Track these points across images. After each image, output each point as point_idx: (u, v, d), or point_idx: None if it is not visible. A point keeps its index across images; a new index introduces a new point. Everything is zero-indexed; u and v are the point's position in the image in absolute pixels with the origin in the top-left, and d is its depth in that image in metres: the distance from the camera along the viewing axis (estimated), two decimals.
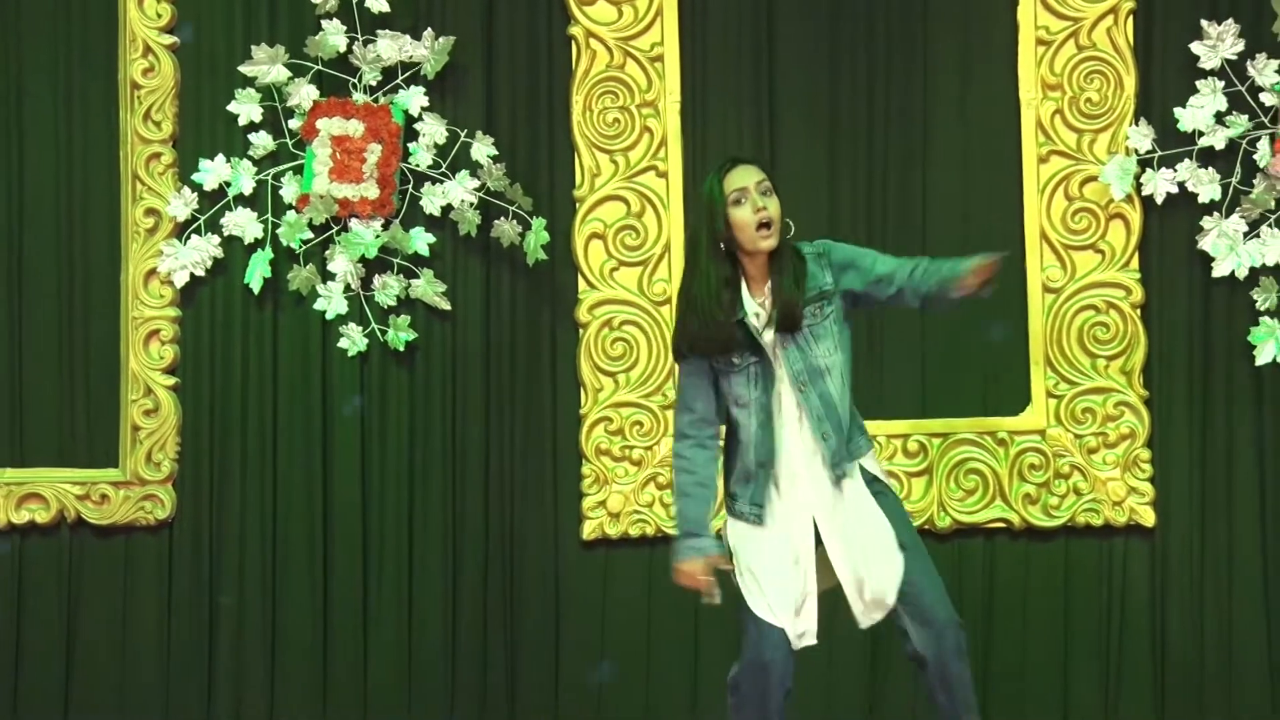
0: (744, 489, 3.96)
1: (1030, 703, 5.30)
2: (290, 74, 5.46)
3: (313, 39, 5.44)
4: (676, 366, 4.08)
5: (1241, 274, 5.22)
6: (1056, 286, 5.32)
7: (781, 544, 3.93)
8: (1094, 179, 5.29)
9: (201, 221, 5.51)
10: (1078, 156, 5.31)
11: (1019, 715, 5.30)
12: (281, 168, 5.50)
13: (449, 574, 5.48)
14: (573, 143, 5.47)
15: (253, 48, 5.46)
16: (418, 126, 5.45)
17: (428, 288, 5.46)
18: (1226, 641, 5.26)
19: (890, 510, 3.95)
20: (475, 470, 5.50)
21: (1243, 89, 5.20)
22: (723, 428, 4.00)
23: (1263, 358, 5.22)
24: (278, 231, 5.48)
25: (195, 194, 5.51)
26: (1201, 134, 5.21)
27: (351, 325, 5.47)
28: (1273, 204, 5.21)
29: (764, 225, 3.87)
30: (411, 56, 5.44)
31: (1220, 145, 5.21)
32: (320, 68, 5.47)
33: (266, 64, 5.45)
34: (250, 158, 5.49)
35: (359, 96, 5.46)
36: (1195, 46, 5.23)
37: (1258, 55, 5.19)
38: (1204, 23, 5.22)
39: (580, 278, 5.46)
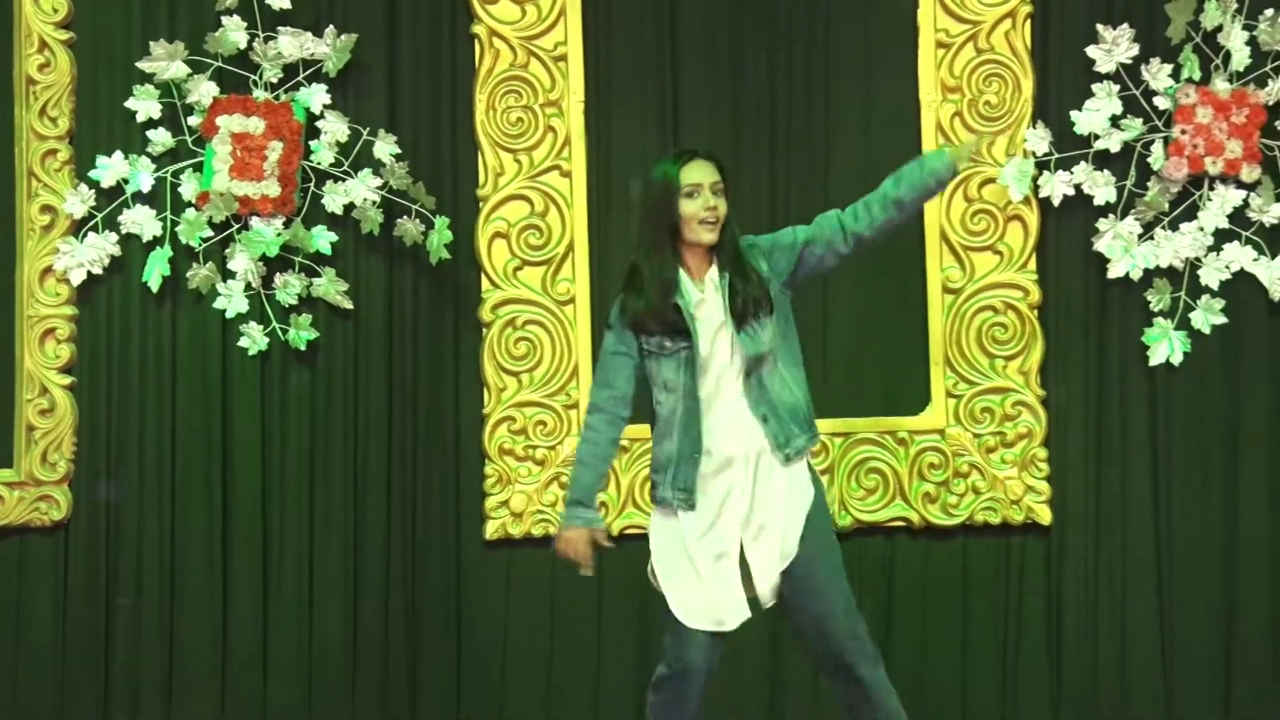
0: (667, 474, 4.01)
1: (928, 700, 5.35)
2: (190, 70, 5.41)
3: (213, 35, 5.40)
4: (605, 338, 4.09)
5: (1136, 275, 5.30)
6: (956, 287, 5.38)
7: (706, 537, 3.97)
8: (992, 181, 5.35)
9: (99, 219, 5.45)
10: (976, 158, 5.35)
11: (918, 713, 5.34)
12: (181, 165, 5.45)
13: (350, 574, 5.45)
14: (476, 142, 5.45)
15: (151, 44, 5.40)
16: (319, 124, 5.42)
17: (329, 286, 5.42)
18: (1120, 639, 5.34)
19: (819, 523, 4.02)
20: (377, 470, 5.47)
21: (1137, 93, 5.28)
22: (626, 415, 4.06)
23: (1156, 358, 5.30)
24: (177, 229, 5.42)
25: (92, 191, 5.44)
26: (1097, 137, 5.28)
27: (252, 324, 5.43)
28: (1166, 206, 5.29)
29: (708, 221, 3.96)
30: (313, 54, 5.41)
31: (1115, 148, 5.28)
32: (220, 64, 5.42)
33: (165, 60, 5.40)
34: (149, 155, 5.44)
35: (260, 94, 5.42)
36: (1091, 51, 5.30)
37: (1152, 60, 5.27)
38: (1099, 27, 5.29)
39: (483, 277, 5.45)
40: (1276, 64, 5.24)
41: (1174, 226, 5.29)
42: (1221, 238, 5.28)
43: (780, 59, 5.45)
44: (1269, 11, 5.23)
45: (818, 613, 3.98)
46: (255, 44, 5.41)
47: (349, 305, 5.45)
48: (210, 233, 5.42)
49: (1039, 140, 5.30)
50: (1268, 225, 5.26)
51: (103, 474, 5.47)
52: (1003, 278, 5.36)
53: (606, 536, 4.10)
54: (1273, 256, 5.26)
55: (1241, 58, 5.22)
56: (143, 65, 5.41)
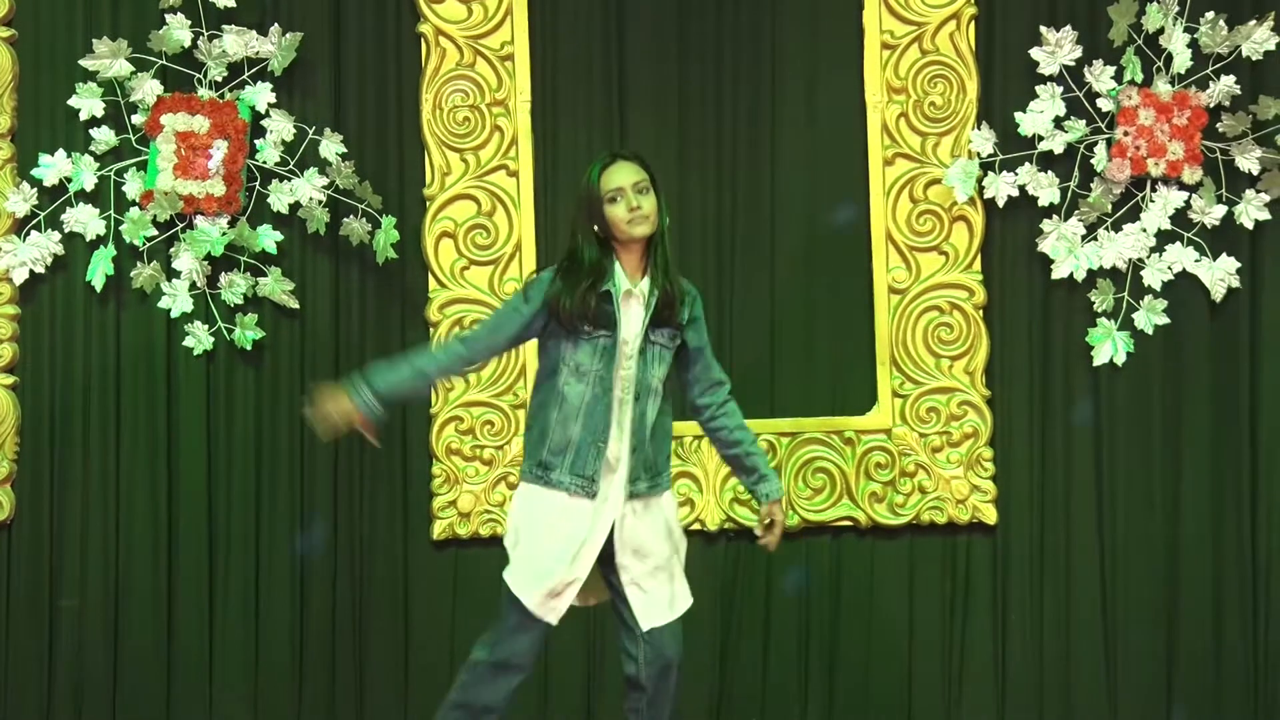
0: (563, 458, 4.02)
1: (875, 698, 5.38)
2: (133, 68, 5.37)
3: (156, 33, 5.36)
4: (514, 296, 4.15)
5: (1080, 276, 5.33)
6: (902, 287, 5.40)
7: (575, 526, 4.01)
8: (938, 181, 5.37)
9: (42, 218, 5.40)
10: (922, 159, 5.39)
11: (864, 712, 5.38)
12: (124, 163, 5.41)
13: (296, 575, 5.43)
14: (423, 141, 5.44)
15: (94, 41, 5.36)
16: (265, 123, 5.39)
17: (275, 286, 5.40)
18: (1064, 637, 5.37)
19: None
20: (323, 470, 5.45)
21: (1080, 94, 5.32)
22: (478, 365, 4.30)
23: (1100, 358, 5.34)
24: (121, 228, 5.38)
25: (35, 190, 5.39)
26: (1041, 138, 5.31)
27: (197, 323, 5.39)
28: (1109, 208, 5.32)
29: (636, 219, 4.00)
30: (258, 52, 5.38)
31: (1059, 149, 5.31)
32: (164, 62, 5.38)
33: (108, 58, 5.36)
34: (92, 153, 5.39)
35: (204, 92, 5.38)
36: (1035, 52, 5.33)
37: (1095, 62, 5.30)
38: (1043, 29, 5.32)
39: (430, 276, 5.44)
40: (1217, 66, 5.28)
41: (1117, 228, 5.33)
42: (1164, 239, 5.32)
43: (727, 59, 5.46)
44: (1210, 14, 5.27)
45: (665, 641, 4.08)
46: (200, 42, 5.37)
47: (295, 305, 5.42)
48: (154, 232, 5.39)
49: (983, 141, 5.33)
50: (1209, 227, 5.30)
51: (46, 474, 5.42)
52: (948, 278, 5.39)
53: (375, 433, 4.07)
54: (1214, 258, 5.31)
55: (1183, 60, 5.27)
56: (86, 63, 5.37)
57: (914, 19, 5.38)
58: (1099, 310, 5.33)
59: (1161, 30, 5.27)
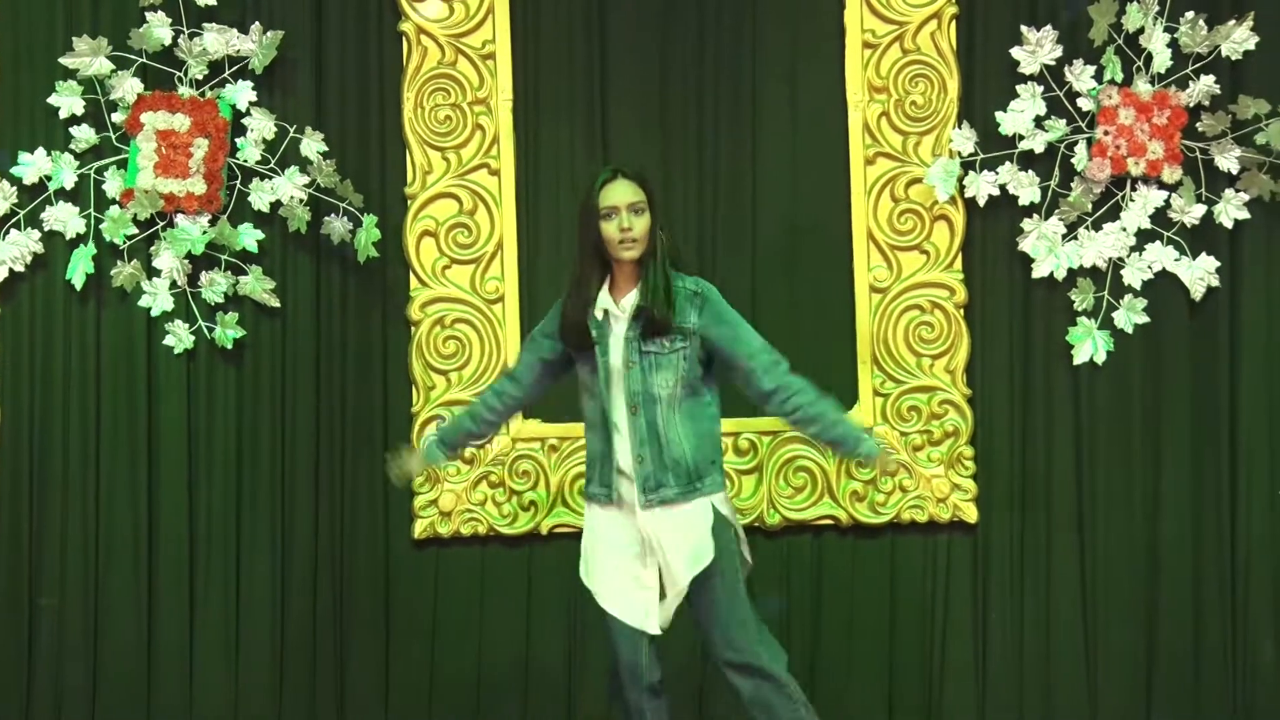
0: (593, 470, 4.25)
1: (855, 697, 5.38)
2: (114, 66, 5.36)
3: (137, 31, 5.35)
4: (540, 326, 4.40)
5: (1060, 275, 5.34)
6: (883, 286, 5.40)
7: (625, 533, 4.18)
8: (919, 181, 5.38)
9: (21, 216, 5.39)
10: (903, 158, 5.39)
11: (844, 710, 5.38)
12: (105, 162, 5.39)
13: (277, 574, 5.42)
14: (404, 139, 5.43)
15: (74, 39, 5.35)
16: (246, 121, 5.38)
17: (256, 284, 5.39)
18: (1044, 636, 5.38)
19: (724, 567, 4.16)
20: (305, 469, 5.44)
21: (1061, 94, 5.32)
22: (511, 392, 4.40)
23: (1080, 357, 5.35)
24: (101, 227, 5.37)
25: (14, 188, 5.38)
26: (1022, 137, 5.32)
27: (178, 322, 5.38)
28: (1089, 207, 5.33)
29: (626, 242, 4.13)
30: (239, 50, 5.37)
31: (1040, 149, 5.32)
32: (145, 61, 5.37)
33: (88, 56, 5.34)
34: (72, 151, 5.38)
35: (185, 90, 5.37)
36: (1015, 52, 5.34)
37: (1075, 61, 5.31)
38: (1024, 29, 5.33)
39: (412, 275, 5.43)
40: (1197, 66, 5.29)
41: (1097, 227, 5.34)
42: (1144, 238, 5.34)
43: (708, 58, 5.46)
44: (1190, 14, 5.28)
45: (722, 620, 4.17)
46: (180, 40, 5.36)
47: (276, 303, 5.41)
48: (135, 230, 5.37)
49: (964, 141, 5.33)
50: (1189, 226, 5.32)
51: (25, 473, 5.41)
52: (929, 277, 5.40)
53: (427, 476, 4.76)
54: (1194, 257, 5.32)
55: (1163, 60, 5.28)
56: (66, 61, 5.35)
57: (895, 18, 5.39)
58: (1079, 309, 5.34)
59: (1141, 30, 5.29)
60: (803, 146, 5.43)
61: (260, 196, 5.37)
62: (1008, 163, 5.34)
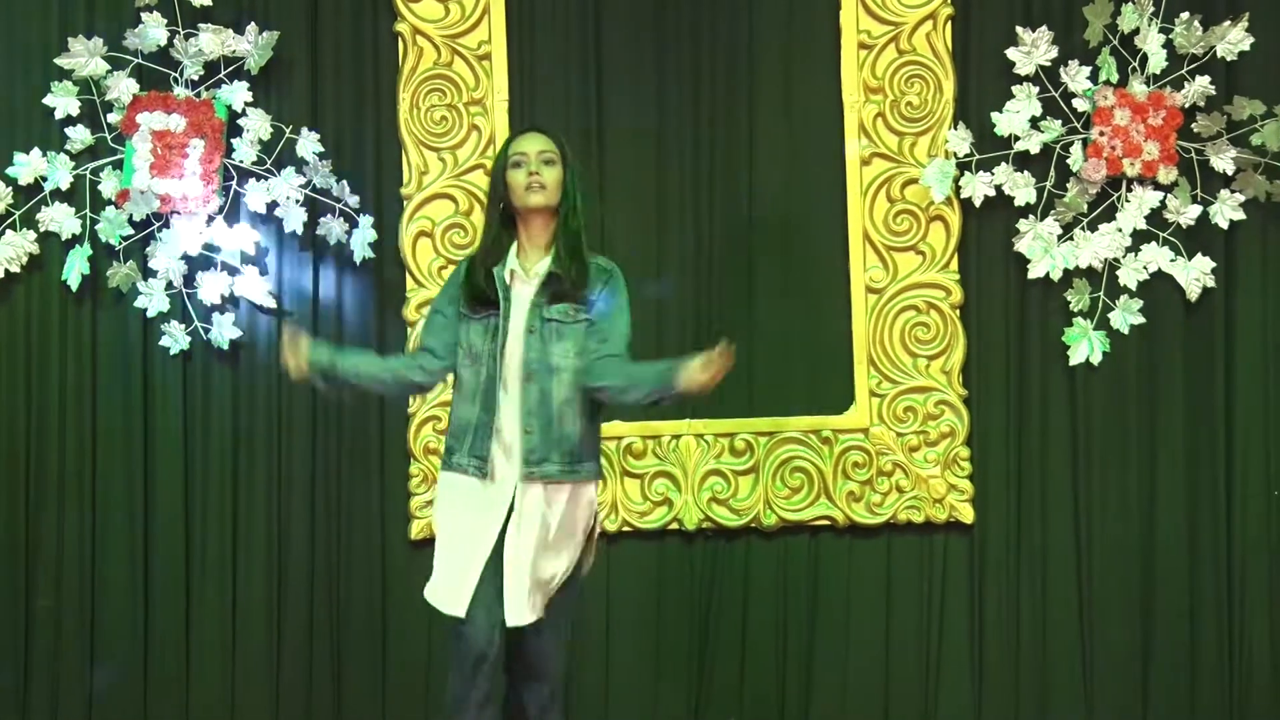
0: (462, 440, 4.08)
1: (852, 698, 5.38)
2: (109, 67, 5.35)
3: (132, 32, 5.34)
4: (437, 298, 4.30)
5: (1056, 275, 5.35)
6: (879, 287, 5.41)
7: (489, 512, 4.01)
8: (915, 181, 5.38)
9: (17, 217, 5.38)
10: (899, 159, 5.40)
11: (842, 710, 5.38)
12: (100, 162, 5.39)
13: (274, 574, 5.42)
14: (400, 140, 5.43)
15: (70, 40, 5.34)
16: (241, 122, 5.37)
17: (252, 285, 5.38)
18: (1040, 636, 5.39)
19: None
20: (301, 469, 5.44)
21: (1056, 95, 5.33)
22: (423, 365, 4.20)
23: (1076, 358, 5.36)
24: (97, 227, 5.36)
25: (10, 188, 5.37)
26: (1017, 138, 5.33)
27: (174, 323, 5.38)
28: (1085, 207, 5.34)
29: (533, 186, 4.06)
30: (234, 51, 5.37)
31: (1035, 149, 5.33)
32: (140, 61, 5.37)
33: (84, 57, 5.34)
34: (68, 152, 5.37)
35: (180, 91, 5.37)
36: (1011, 53, 5.34)
37: (1070, 62, 5.32)
38: (1019, 29, 5.33)
39: (408, 276, 5.43)
40: (1192, 67, 5.30)
41: (1093, 227, 5.35)
42: (1139, 239, 5.35)
43: (704, 59, 5.46)
44: (1185, 15, 5.29)
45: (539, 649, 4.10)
46: (176, 41, 5.36)
47: (272, 304, 5.41)
48: (130, 231, 5.37)
49: (960, 141, 5.34)
50: (1184, 226, 5.33)
51: (21, 474, 5.40)
52: (925, 278, 5.40)
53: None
54: (1189, 257, 5.33)
55: (1158, 60, 5.29)
56: (61, 61, 5.35)
57: (891, 19, 5.39)
58: (1075, 310, 5.35)
59: (1137, 31, 5.30)
60: (799, 146, 5.42)
61: (256, 197, 5.37)
62: (1003, 163, 5.35)
